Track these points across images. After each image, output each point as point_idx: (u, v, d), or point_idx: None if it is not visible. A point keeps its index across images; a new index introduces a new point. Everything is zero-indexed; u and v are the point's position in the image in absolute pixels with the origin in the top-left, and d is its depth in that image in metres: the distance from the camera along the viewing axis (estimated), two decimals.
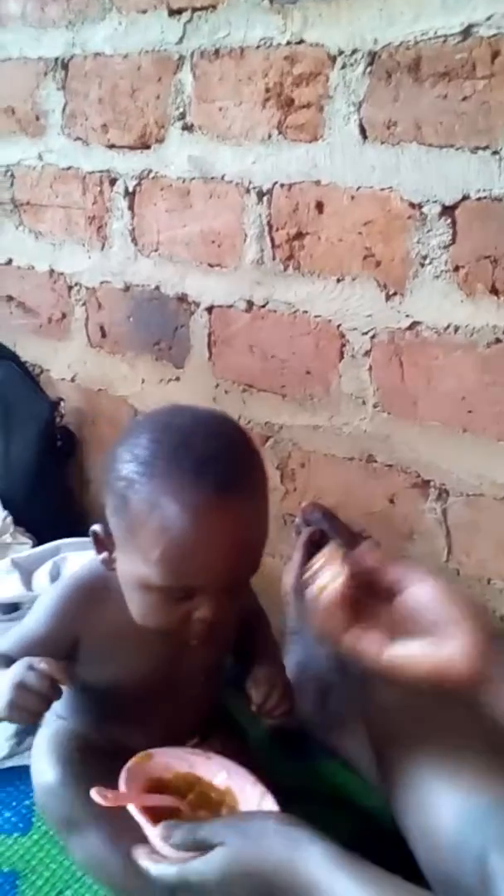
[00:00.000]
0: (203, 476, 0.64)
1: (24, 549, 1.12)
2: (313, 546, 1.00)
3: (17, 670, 0.68)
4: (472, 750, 0.70)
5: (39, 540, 1.13)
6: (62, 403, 1.24)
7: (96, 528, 0.72)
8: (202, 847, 0.61)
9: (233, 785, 0.71)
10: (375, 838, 0.79)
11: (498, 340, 0.86)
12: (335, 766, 0.89)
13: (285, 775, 0.86)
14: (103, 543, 0.72)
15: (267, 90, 0.96)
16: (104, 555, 0.72)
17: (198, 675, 0.77)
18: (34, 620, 0.76)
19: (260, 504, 0.69)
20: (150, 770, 0.70)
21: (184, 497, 0.64)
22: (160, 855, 0.63)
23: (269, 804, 0.68)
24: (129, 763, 0.69)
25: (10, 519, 1.16)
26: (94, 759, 0.76)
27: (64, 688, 0.70)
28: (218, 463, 0.65)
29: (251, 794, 0.70)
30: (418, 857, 0.70)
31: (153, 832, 0.63)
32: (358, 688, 0.88)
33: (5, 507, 1.18)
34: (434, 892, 0.67)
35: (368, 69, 0.88)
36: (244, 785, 0.71)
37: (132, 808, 0.65)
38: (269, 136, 0.97)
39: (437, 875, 0.67)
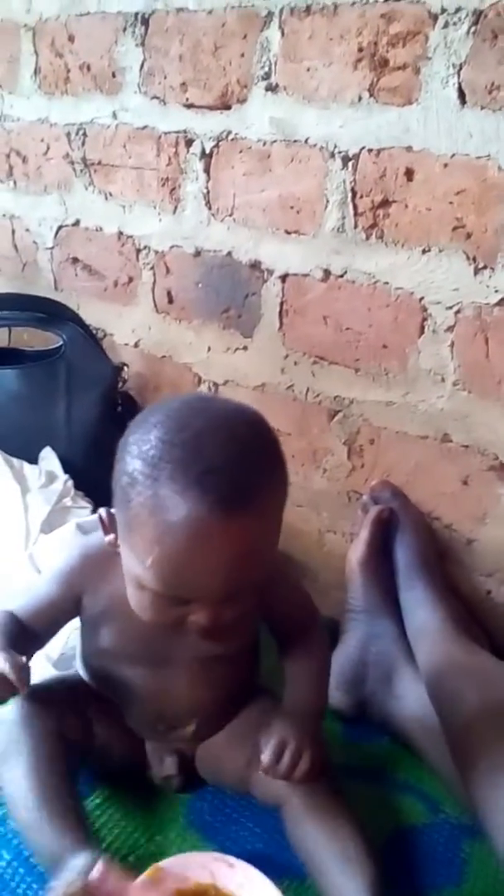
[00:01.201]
0: (207, 489, 0.60)
1: (84, 513, 1.11)
2: (382, 524, 0.99)
3: None
4: None
5: (98, 504, 1.12)
6: (125, 368, 1.22)
7: (102, 512, 0.70)
8: None
9: None
10: (436, 830, 0.78)
11: None
12: (396, 749, 0.87)
13: (345, 754, 0.86)
14: (107, 528, 0.70)
15: (360, 50, 0.92)
16: (110, 537, 0.70)
17: (188, 662, 0.74)
18: (43, 581, 0.77)
19: (267, 519, 0.65)
20: (166, 882, 0.65)
21: (183, 510, 0.60)
22: None
23: None
24: (141, 879, 0.64)
25: (71, 483, 1.15)
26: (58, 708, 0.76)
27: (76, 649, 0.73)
28: (225, 475, 0.61)
29: None
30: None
31: None
32: (426, 673, 0.86)
33: (66, 471, 1.17)
34: None
35: (473, 29, 0.84)
36: None
37: None
38: (360, 99, 0.93)
39: None
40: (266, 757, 0.70)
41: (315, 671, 0.78)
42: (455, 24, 0.84)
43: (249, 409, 0.69)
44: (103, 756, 0.78)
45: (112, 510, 0.69)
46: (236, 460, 0.62)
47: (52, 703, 0.75)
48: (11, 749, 0.72)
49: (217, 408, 0.68)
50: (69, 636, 0.88)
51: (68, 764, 0.73)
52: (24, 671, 0.68)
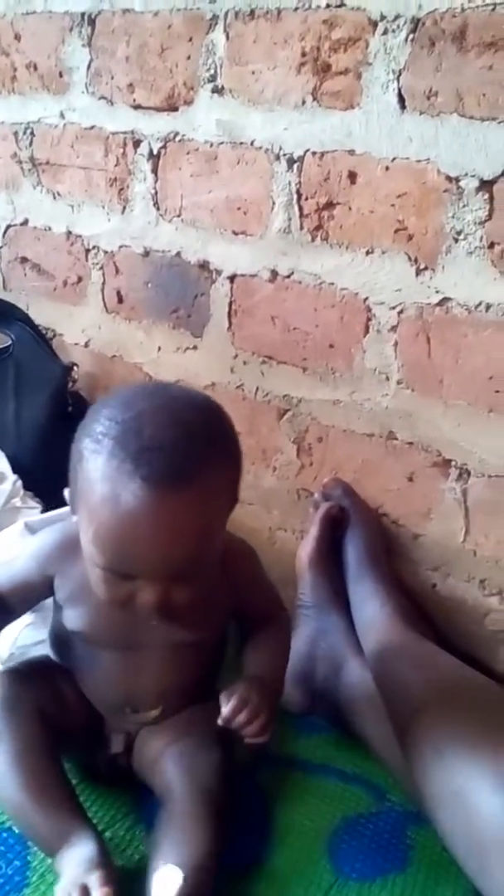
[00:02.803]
0: (140, 465, 0.63)
1: (33, 513, 1.11)
2: (331, 521, 1.00)
3: None
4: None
5: (47, 505, 1.12)
6: (75, 368, 1.22)
7: (66, 492, 0.72)
8: None
9: None
10: (382, 819, 0.80)
11: None
12: (343, 740, 0.89)
13: (292, 747, 0.87)
14: (73, 509, 0.71)
15: (303, 54, 0.94)
16: (75, 518, 0.71)
17: (161, 647, 0.76)
18: (20, 559, 0.79)
19: (207, 501, 0.66)
20: None
21: (116, 485, 0.63)
22: None
23: None
24: None
25: (20, 483, 1.14)
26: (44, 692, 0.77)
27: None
28: (162, 453, 0.63)
29: None
30: (453, 843, 0.69)
31: None
32: (373, 662, 0.88)
33: (15, 471, 1.16)
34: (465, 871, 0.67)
35: (411, 36, 0.86)
36: None
37: None
38: (303, 102, 0.95)
39: (473, 858, 0.67)
40: (226, 709, 0.71)
41: (276, 654, 0.80)
42: (394, 31, 0.86)
43: (201, 395, 0.73)
44: (70, 734, 0.78)
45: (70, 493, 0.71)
46: (175, 439, 0.65)
47: (30, 683, 0.77)
48: None
49: (169, 393, 0.72)
50: (18, 636, 0.88)
51: (53, 747, 0.73)
52: None
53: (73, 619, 0.77)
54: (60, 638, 0.81)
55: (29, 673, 0.80)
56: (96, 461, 0.65)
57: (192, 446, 0.65)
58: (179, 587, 0.67)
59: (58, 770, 0.73)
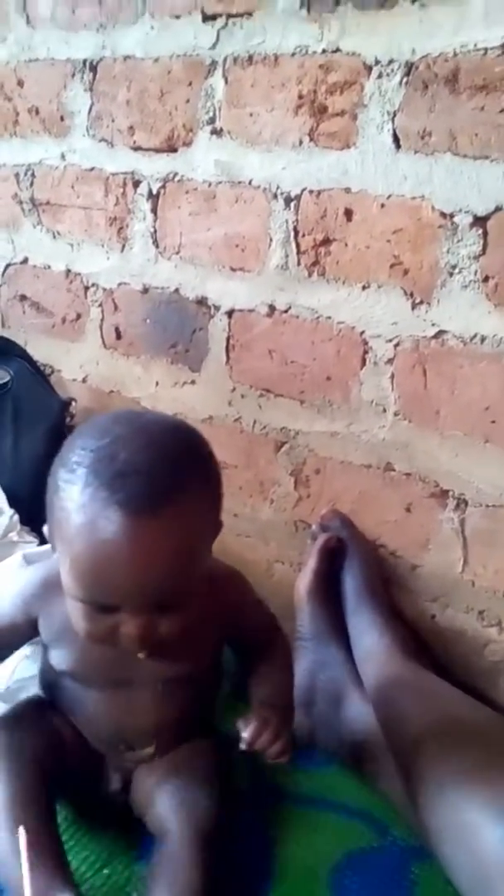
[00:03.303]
0: (115, 491, 0.61)
1: (30, 547, 1.10)
2: (329, 553, 1.00)
3: None
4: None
5: (44, 539, 1.11)
6: (73, 403, 1.23)
7: (45, 528, 0.71)
8: None
9: None
10: (385, 854, 0.78)
11: None
12: (344, 774, 0.88)
13: (293, 782, 0.86)
14: (52, 546, 0.70)
15: (300, 97, 0.97)
16: (56, 552, 0.70)
17: (152, 684, 0.74)
18: (3, 601, 0.77)
19: (186, 526, 0.65)
20: None
21: (93, 510, 0.62)
22: None
23: None
24: None
25: (16, 517, 1.14)
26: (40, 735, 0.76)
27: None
28: (137, 476, 0.62)
29: None
30: (457, 877, 0.68)
31: None
32: (373, 695, 0.87)
33: (12, 506, 1.16)
34: None
35: (405, 79, 0.89)
36: None
37: None
38: (300, 143, 0.98)
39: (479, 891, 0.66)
40: (247, 734, 0.70)
41: (281, 676, 0.79)
42: (388, 74, 0.90)
43: (178, 421, 0.71)
44: (67, 776, 0.77)
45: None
46: (150, 462, 0.63)
47: (25, 731, 0.75)
48: None
49: (144, 419, 0.71)
50: (16, 668, 0.87)
51: (47, 797, 0.71)
52: None
53: (60, 658, 0.75)
54: (49, 678, 0.80)
55: (24, 719, 0.78)
56: (70, 491, 0.63)
57: (168, 469, 0.64)
58: (164, 618, 0.65)
59: (49, 824, 0.70)
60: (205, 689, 0.80)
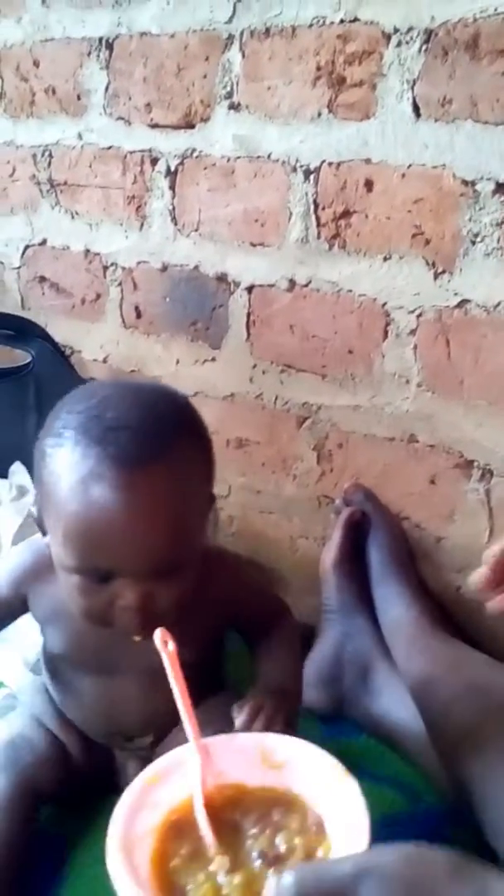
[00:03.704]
0: (106, 445, 0.60)
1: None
2: (354, 526, 1.01)
3: None
4: None
5: None
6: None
7: (32, 508, 0.69)
8: None
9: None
10: (419, 819, 0.79)
11: None
12: (373, 743, 0.88)
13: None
14: (41, 526, 0.68)
15: (318, 69, 0.96)
16: (47, 536, 0.68)
17: (144, 672, 0.70)
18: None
19: (179, 481, 0.63)
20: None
21: (85, 468, 0.60)
22: None
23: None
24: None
25: None
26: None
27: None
28: (127, 431, 0.61)
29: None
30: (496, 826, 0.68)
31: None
32: (403, 665, 0.87)
33: None
34: None
35: (424, 47, 0.88)
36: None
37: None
38: (319, 115, 0.97)
39: None
40: (239, 721, 0.66)
41: (286, 658, 0.77)
42: (408, 42, 0.89)
43: (163, 385, 0.70)
44: (76, 773, 0.76)
45: (38, 507, 0.68)
46: (139, 420, 0.62)
47: (19, 759, 0.74)
48: None
49: (128, 382, 0.71)
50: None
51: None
52: None
53: (53, 640, 0.75)
54: (48, 662, 0.80)
55: (20, 745, 0.75)
56: (59, 454, 0.62)
57: (157, 425, 0.63)
58: (161, 587, 0.63)
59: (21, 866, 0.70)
60: (199, 678, 0.74)
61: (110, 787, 0.75)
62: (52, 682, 0.80)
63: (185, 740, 0.60)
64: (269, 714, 0.67)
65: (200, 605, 0.68)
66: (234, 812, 0.55)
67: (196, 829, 0.54)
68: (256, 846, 0.53)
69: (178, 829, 0.54)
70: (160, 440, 0.62)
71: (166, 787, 0.56)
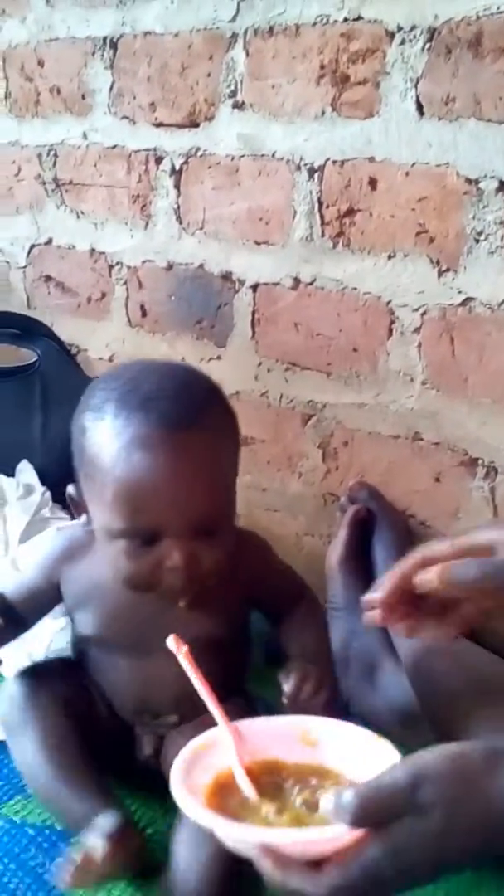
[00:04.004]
0: (148, 412, 0.65)
1: (62, 523, 1.12)
2: (359, 523, 1.01)
3: None
4: None
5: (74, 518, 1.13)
6: None
7: (70, 489, 0.73)
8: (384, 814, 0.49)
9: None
10: None
11: None
12: None
13: None
14: (78, 504, 0.73)
15: (322, 67, 0.96)
16: (83, 517, 0.73)
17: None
18: (28, 568, 0.80)
19: (216, 443, 0.69)
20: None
21: (128, 434, 0.65)
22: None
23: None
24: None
25: (48, 495, 1.15)
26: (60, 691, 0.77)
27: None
28: (165, 399, 0.66)
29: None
30: None
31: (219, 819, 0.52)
32: (407, 660, 0.87)
33: (43, 483, 1.18)
34: None
35: (427, 45, 0.88)
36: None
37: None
38: (323, 113, 0.97)
39: None
40: (288, 687, 0.69)
41: (315, 632, 0.80)
42: (411, 41, 0.89)
43: (185, 362, 0.77)
44: (96, 730, 0.78)
45: (77, 486, 0.72)
46: (174, 390, 0.68)
47: (52, 676, 0.77)
48: (19, 722, 0.73)
49: (152, 361, 0.77)
50: (52, 639, 0.89)
51: (78, 732, 0.73)
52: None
53: (84, 623, 0.77)
54: (78, 646, 0.82)
55: (52, 668, 0.80)
56: (101, 425, 0.67)
57: (190, 393, 0.69)
58: (203, 547, 0.67)
59: (85, 752, 0.72)
60: (229, 655, 0.79)
61: (126, 758, 0.79)
62: (82, 663, 0.82)
63: (213, 723, 0.63)
64: (318, 677, 0.70)
65: (229, 584, 0.72)
66: (272, 777, 0.59)
67: (240, 790, 0.57)
68: (299, 798, 0.57)
69: (226, 789, 0.57)
70: (196, 406, 0.68)
71: (212, 756, 0.59)
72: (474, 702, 0.75)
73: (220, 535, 0.69)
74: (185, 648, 0.64)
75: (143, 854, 0.67)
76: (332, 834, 0.50)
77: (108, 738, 0.79)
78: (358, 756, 0.58)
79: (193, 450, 0.66)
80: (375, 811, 0.49)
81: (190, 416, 0.67)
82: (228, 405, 0.73)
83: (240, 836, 0.52)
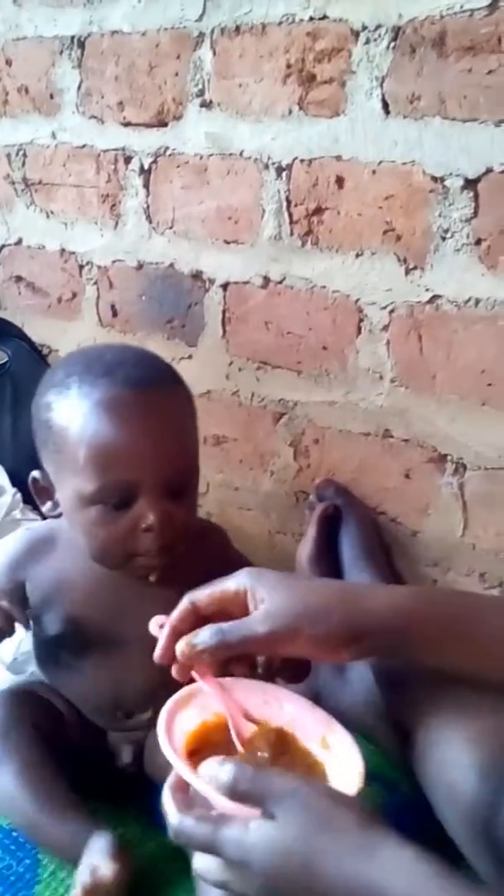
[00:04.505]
0: (114, 375, 0.68)
1: (33, 524, 1.11)
2: (327, 521, 1.01)
3: None
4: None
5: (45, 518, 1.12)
6: None
7: (35, 474, 0.75)
8: (248, 801, 0.50)
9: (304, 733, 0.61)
10: (396, 810, 0.80)
11: None
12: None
13: None
14: (44, 490, 0.74)
15: (288, 66, 0.96)
16: (48, 504, 0.74)
17: (142, 640, 0.71)
18: None
19: (182, 399, 0.73)
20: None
21: (97, 396, 0.67)
22: (194, 802, 0.53)
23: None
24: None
25: (19, 496, 1.15)
26: (37, 714, 0.77)
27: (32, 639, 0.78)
28: (127, 365, 0.69)
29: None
30: (443, 819, 0.70)
31: (186, 769, 0.54)
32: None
33: (14, 485, 1.17)
34: (463, 853, 0.67)
35: (392, 44, 0.89)
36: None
37: (163, 738, 0.56)
38: (290, 112, 0.98)
39: (461, 833, 0.67)
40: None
41: None
42: (376, 40, 0.89)
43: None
44: (70, 750, 0.78)
45: (42, 471, 0.73)
46: (133, 357, 0.72)
47: (25, 704, 0.77)
48: None
49: (107, 344, 0.82)
50: (21, 640, 0.88)
51: (55, 760, 0.73)
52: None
53: (52, 621, 0.77)
54: (42, 648, 0.81)
55: (23, 694, 0.79)
56: (68, 395, 0.68)
57: (151, 361, 0.73)
58: (175, 506, 0.69)
59: (63, 781, 0.72)
60: None
61: (104, 770, 0.79)
62: (47, 672, 0.81)
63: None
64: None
65: (192, 574, 0.70)
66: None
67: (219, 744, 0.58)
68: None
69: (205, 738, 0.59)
70: (158, 369, 0.72)
71: (192, 709, 0.60)
72: (432, 696, 0.75)
73: (188, 496, 0.71)
74: (168, 629, 0.63)
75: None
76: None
77: (83, 753, 0.78)
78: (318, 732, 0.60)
79: (163, 406, 0.69)
80: (244, 795, 0.50)
81: (155, 377, 0.70)
82: (184, 382, 0.76)
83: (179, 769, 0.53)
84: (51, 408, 0.70)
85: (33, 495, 0.75)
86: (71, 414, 0.68)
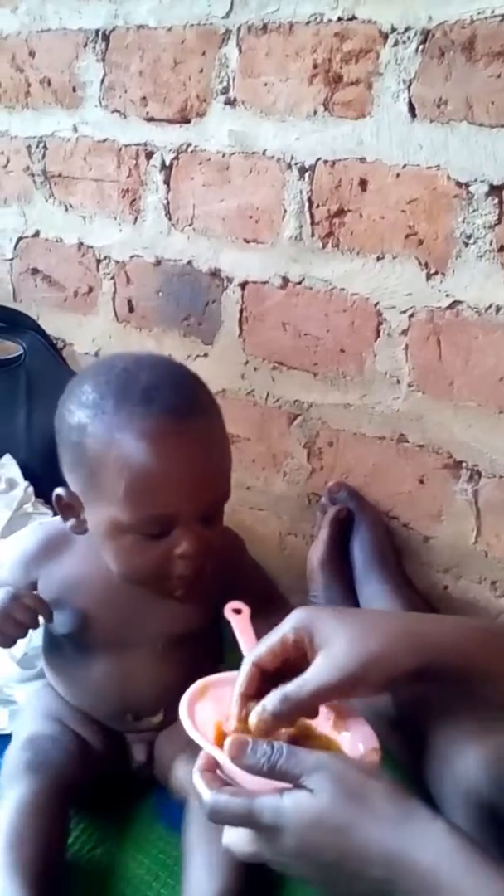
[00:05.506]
0: (152, 403, 0.66)
1: (45, 518, 1.11)
2: (340, 523, 1.01)
3: (1, 597, 0.71)
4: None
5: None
6: None
7: (59, 491, 0.72)
8: (284, 778, 0.50)
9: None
10: None
11: None
12: None
13: None
14: (69, 507, 0.72)
15: (315, 66, 0.96)
16: (72, 521, 0.72)
17: (152, 643, 0.75)
18: (4, 567, 0.79)
19: (215, 424, 0.71)
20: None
21: (137, 426, 0.65)
22: (224, 780, 0.53)
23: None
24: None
25: (31, 489, 1.15)
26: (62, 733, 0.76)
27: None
28: (165, 389, 0.67)
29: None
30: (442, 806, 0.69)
31: (217, 750, 0.53)
32: None
33: (26, 478, 1.17)
34: None
35: (421, 47, 0.88)
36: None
37: (187, 722, 0.56)
38: (315, 113, 0.97)
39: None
40: None
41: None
42: (405, 42, 0.89)
43: (161, 355, 0.78)
44: (96, 763, 0.77)
45: (66, 487, 0.71)
46: (169, 379, 0.69)
47: (49, 775, 0.73)
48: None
49: (132, 353, 0.75)
50: (32, 636, 0.88)
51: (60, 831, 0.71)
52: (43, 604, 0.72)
53: (62, 622, 0.76)
54: (52, 647, 0.80)
55: (48, 756, 0.74)
56: (105, 422, 0.66)
57: (183, 382, 0.70)
58: (207, 532, 0.68)
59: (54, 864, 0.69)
60: (203, 651, 0.79)
61: (121, 771, 0.78)
62: (55, 670, 0.81)
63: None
64: None
65: (208, 576, 0.72)
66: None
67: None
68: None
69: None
70: (193, 394, 0.70)
71: (207, 701, 0.60)
72: (442, 703, 0.75)
73: (217, 521, 0.70)
74: (245, 610, 0.64)
75: None
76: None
77: (105, 756, 0.77)
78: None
79: (203, 438, 0.68)
80: (277, 772, 0.50)
81: (189, 404, 0.68)
82: (212, 395, 0.74)
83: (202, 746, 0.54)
84: (86, 431, 0.67)
85: (56, 510, 0.74)
86: (108, 443, 0.66)
